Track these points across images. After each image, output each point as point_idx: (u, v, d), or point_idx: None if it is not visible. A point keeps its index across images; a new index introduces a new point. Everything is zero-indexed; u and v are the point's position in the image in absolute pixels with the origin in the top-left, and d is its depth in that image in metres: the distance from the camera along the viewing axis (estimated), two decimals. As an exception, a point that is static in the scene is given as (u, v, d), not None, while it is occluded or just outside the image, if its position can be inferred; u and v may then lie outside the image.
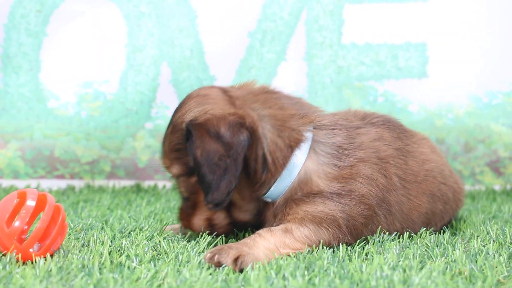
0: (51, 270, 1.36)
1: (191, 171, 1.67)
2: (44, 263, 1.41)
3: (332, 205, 1.65)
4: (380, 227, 1.76)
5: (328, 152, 1.68)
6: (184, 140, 1.66)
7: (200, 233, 1.74)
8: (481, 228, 1.95)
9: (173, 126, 1.72)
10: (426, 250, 1.63)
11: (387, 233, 1.77)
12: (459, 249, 1.58)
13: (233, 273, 1.38)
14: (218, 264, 1.45)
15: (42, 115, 3.19)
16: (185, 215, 1.77)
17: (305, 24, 3.18)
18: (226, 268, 1.41)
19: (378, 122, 1.85)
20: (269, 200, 1.69)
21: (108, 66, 3.20)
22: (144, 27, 3.20)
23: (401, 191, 1.79)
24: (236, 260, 1.45)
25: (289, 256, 1.55)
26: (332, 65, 3.18)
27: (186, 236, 1.78)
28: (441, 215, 1.97)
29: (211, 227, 1.74)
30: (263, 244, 1.55)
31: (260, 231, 1.60)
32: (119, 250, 1.59)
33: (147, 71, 3.19)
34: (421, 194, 1.86)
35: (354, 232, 1.68)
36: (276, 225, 1.65)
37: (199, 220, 1.74)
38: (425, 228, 1.85)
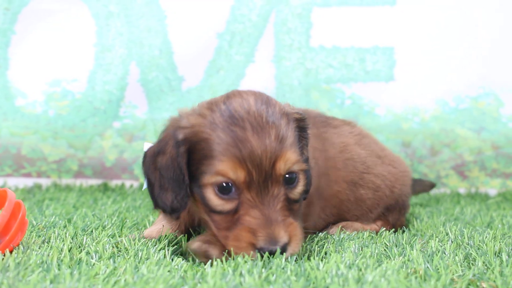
0: (8, 266, 1.36)
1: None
2: (3, 258, 1.41)
3: None
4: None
5: None
6: (296, 133, 1.58)
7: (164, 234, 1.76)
8: (440, 229, 1.98)
9: (286, 119, 1.54)
10: (384, 250, 1.65)
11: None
12: (416, 249, 1.60)
13: (191, 270, 1.39)
14: (206, 255, 1.48)
15: (9, 113, 3.18)
16: (297, 225, 1.53)
17: (273, 26, 3.20)
18: (185, 265, 1.42)
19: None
20: None
21: (77, 65, 3.20)
22: (113, 27, 3.20)
23: (325, 176, 1.86)
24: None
25: None
26: (300, 68, 3.20)
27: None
28: (372, 203, 2.02)
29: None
30: None
31: None
32: (79, 247, 1.59)
33: (116, 71, 3.19)
34: (340, 180, 1.92)
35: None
36: None
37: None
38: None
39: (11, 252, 1.50)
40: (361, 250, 1.63)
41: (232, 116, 1.49)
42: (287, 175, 1.50)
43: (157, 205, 1.61)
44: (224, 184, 1.49)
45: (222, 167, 1.47)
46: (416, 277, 1.37)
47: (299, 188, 1.55)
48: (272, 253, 1.44)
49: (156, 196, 1.59)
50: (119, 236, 1.74)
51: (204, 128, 1.51)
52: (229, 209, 1.50)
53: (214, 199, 1.51)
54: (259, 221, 1.45)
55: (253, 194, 1.47)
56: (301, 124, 1.60)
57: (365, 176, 2.02)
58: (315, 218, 1.87)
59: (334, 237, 1.77)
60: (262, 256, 1.43)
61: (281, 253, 1.44)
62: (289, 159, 1.49)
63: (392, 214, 2.07)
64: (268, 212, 1.46)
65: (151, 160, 1.60)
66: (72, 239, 1.68)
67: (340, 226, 1.94)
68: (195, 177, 1.54)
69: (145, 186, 1.64)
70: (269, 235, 1.44)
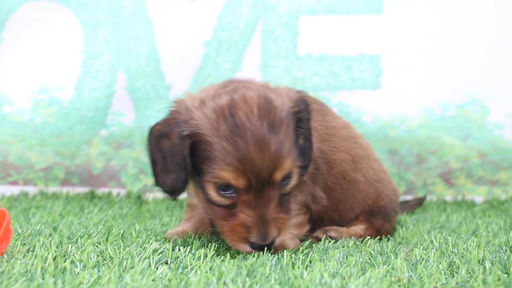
0: (-8, 275, 1.36)
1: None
2: (-13, 267, 1.41)
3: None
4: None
5: None
6: (295, 127, 1.67)
7: (148, 239, 1.76)
8: (425, 237, 1.99)
9: (286, 122, 1.62)
10: (369, 258, 1.66)
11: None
12: (400, 257, 1.60)
13: (175, 279, 1.39)
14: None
15: (-4, 121, 3.17)
16: (287, 217, 1.70)
17: (261, 34, 3.21)
18: (169, 273, 1.42)
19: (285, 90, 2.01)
20: None
21: (64, 73, 3.19)
22: (101, 34, 3.20)
23: (327, 142, 1.94)
24: None
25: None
26: (287, 75, 3.21)
27: (138, 242, 1.78)
28: (363, 197, 2.07)
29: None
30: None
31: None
32: (64, 256, 1.59)
33: (103, 78, 3.19)
34: (343, 150, 1.99)
35: (313, 180, 1.86)
36: None
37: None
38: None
39: (-5, 261, 1.50)
40: (346, 258, 1.63)
41: (236, 126, 1.57)
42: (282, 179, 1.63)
43: (157, 183, 1.72)
44: (225, 185, 1.62)
45: (224, 175, 1.59)
46: (399, 286, 1.37)
47: (292, 183, 1.68)
48: (263, 247, 1.63)
49: (157, 175, 1.71)
50: (104, 245, 1.74)
51: (209, 132, 1.59)
52: (227, 204, 1.65)
53: (214, 195, 1.65)
54: (253, 219, 1.61)
55: (250, 197, 1.61)
56: (299, 115, 1.69)
57: (363, 162, 2.07)
58: (321, 185, 1.91)
59: (319, 245, 1.77)
60: (254, 249, 1.63)
61: (271, 245, 1.63)
62: (286, 168, 1.61)
63: (377, 219, 2.08)
64: (262, 212, 1.61)
65: (155, 140, 1.69)
66: (57, 247, 1.68)
67: (325, 229, 1.99)
68: (197, 167, 1.65)
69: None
70: (261, 233, 1.61)
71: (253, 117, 1.58)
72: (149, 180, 3.12)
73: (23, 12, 3.17)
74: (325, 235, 1.94)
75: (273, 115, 1.60)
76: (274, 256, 1.62)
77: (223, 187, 1.62)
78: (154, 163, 1.70)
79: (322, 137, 1.92)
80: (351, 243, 1.86)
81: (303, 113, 1.70)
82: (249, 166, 1.56)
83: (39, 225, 2.05)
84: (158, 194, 3.00)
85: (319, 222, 2.00)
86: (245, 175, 1.57)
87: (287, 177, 1.64)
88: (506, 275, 1.45)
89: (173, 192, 1.71)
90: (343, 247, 1.81)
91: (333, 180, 1.96)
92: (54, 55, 3.20)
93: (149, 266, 1.51)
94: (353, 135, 2.08)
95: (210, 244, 1.76)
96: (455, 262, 1.59)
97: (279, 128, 1.59)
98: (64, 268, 1.46)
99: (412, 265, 1.55)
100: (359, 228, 2.05)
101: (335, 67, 3.21)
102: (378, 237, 2.01)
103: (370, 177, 2.08)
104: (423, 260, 1.61)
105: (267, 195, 1.61)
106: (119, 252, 1.64)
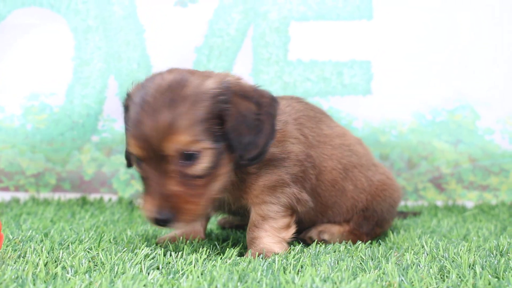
0: (-17, 281, 1.36)
1: (216, 141, 1.67)
2: (-22, 274, 1.41)
3: (279, 171, 1.82)
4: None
5: None
6: (213, 108, 1.66)
7: (139, 244, 1.76)
8: (416, 242, 2.00)
9: (192, 98, 1.64)
10: (360, 263, 1.66)
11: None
12: (391, 262, 1.61)
13: (167, 284, 1.39)
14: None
15: (-13, 127, 3.17)
16: (188, 198, 1.67)
17: (251, 40, 3.22)
18: (161, 279, 1.42)
19: (286, 97, 2.03)
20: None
21: (55, 79, 3.19)
22: (92, 41, 3.20)
23: (316, 148, 1.95)
24: None
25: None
26: (278, 81, 3.21)
27: (132, 246, 1.78)
28: (351, 199, 2.08)
29: (209, 206, 1.77)
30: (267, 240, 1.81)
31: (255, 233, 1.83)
32: (55, 261, 1.59)
33: (94, 84, 3.19)
34: (334, 159, 2.01)
35: (298, 183, 1.86)
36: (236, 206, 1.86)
37: (207, 199, 1.70)
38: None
39: (-14, 267, 1.50)
40: (337, 263, 1.64)
41: (142, 96, 1.65)
42: (185, 153, 1.62)
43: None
44: (137, 157, 1.67)
45: (128, 142, 1.68)
46: (390, 290, 1.38)
47: (201, 165, 1.65)
48: (157, 221, 1.64)
49: None
50: (96, 250, 1.74)
51: (130, 100, 1.70)
52: (141, 175, 1.70)
53: (135, 166, 1.73)
54: (151, 191, 1.64)
55: (151, 168, 1.64)
56: (221, 98, 1.67)
57: (356, 171, 2.09)
58: (308, 189, 1.92)
59: (310, 250, 1.78)
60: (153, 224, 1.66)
61: (167, 222, 1.63)
62: (178, 141, 1.60)
63: (368, 223, 2.10)
64: (157, 186, 1.63)
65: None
66: (48, 253, 1.68)
67: (319, 230, 2.04)
68: None
69: None
70: (151, 207, 1.63)
71: (157, 92, 1.63)
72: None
73: (14, 18, 3.17)
74: (316, 239, 1.96)
75: (178, 92, 1.63)
76: (265, 261, 1.62)
77: (136, 158, 1.68)
78: None
79: (311, 143, 1.93)
80: (342, 247, 1.86)
81: (226, 96, 1.67)
82: (141, 135, 1.61)
83: (30, 231, 2.05)
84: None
85: (309, 223, 2.03)
86: (140, 143, 1.62)
87: (191, 156, 1.63)
88: (496, 279, 1.46)
89: (126, 158, 1.86)
90: (334, 251, 1.82)
91: (322, 186, 1.98)
92: (45, 61, 3.20)
93: (140, 271, 1.51)
94: (347, 143, 2.09)
95: (201, 249, 1.76)
96: (445, 266, 1.60)
97: (180, 104, 1.61)
98: (56, 274, 1.46)
99: (403, 269, 1.55)
100: (348, 225, 2.11)
101: (326, 72, 3.22)
102: (369, 241, 2.02)
103: (361, 185, 2.09)
104: (414, 264, 1.62)
105: (163, 169, 1.62)
106: (111, 258, 1.63)
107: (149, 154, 1.62)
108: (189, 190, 1.64)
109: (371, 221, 2.10)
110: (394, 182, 2.21)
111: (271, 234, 1.81)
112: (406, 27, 3.24)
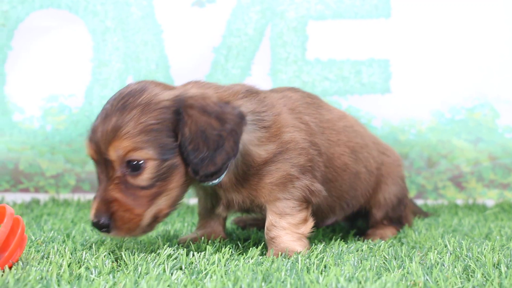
0: (8, 282, 1.36)
1: (166, 153, 1.64)
2: (2, 275, 1.41)
3: (283, 166, 1.77)
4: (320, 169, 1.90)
5: (251, 119, 1.74)
6: (164, 119, 1.64)
7: (162, 244, 1.76)
8: (439, 241, 1.98)
9: (143, 107, 1.63)
10: (384, 262, 1.65)
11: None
12: (415, 261, 1.60)
13: (191, 284, 1.39)
14: None
15: (7, 129, 3.18)
16: (128, 207, 1.64)
17: (269, 40, 3.22)
18: (185, 279, 1.42)
19: (281, 89, 2.01)
20: (214, 182, 1.74)
21: (74, 80, 3.21)
22: (110, 42, 3.21)
23: (321, 135, 1.93)
24: None
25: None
26: (296, 81, 3.21)
27: (148, 248, 1.78)
28: (365, 184, 2.11)
29: (154, 220, 1.71)
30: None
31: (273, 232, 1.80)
32: (78, 262, 1.59)
33: (113, 85, 3.20)
34: (342, 143, 2.00)
35: (308, 174, 1.82)
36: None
37: (151, 212, 1.66)
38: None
39: (10, 268, 1.50)
40: (360, 263, 1.63)
41: (107, 101, 1.68)
42: (130, 162, 1.61)
43: None
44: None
45: (85, 145, 1.68)
46: (415, 289, 1.37)
47: (145, 176, 1.62)
48: (93, 224, 1.62)
49: None
50: (118, 251, 1.74)
51: None
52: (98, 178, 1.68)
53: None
54: (97, 195, 1.63)
55: (101, 172, 1.64)
56: (174, 110, 1.64)
57: (364, 152, 2.10)
58: (319, 177, 1.89)
59: (332, 250, 1.77)
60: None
61: (103, 227, 1.61)
62: (121, 148, 1.60)
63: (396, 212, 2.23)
64: (102, 190, 1.63)
65: None
66: (71, 254, 1.68)
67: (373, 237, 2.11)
68: None
69: None
70: (92, 210, 1.63)
71: (116, 99, 1.65)
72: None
73: (32, 20, 3.19)
74: None
75: (131, 100, 1.63)
76: (288, 261, 1.62)
77: (93, 161, 1.69)
78: None
79: (313, 130, 1.90)
80: (364, 247, 1.85)
81: (181, 108, 1.64)
82: (94, 139, 1.62)
83: (52, 232, 2.06)
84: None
85: (327, 209, 2.03)
86: (91, 146, 1.63)
87: (137, 166, 1.61)
88: (522, 278, 1.45)
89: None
90: (357, 251, 1.81)
91: (333, 172, 1.96)
92: (64, 63, 3.21)
93: (164, 271, 1.51)
94: (350, 124, 2.10)
95: (223, 248, 1.76)
96: (470, 266, 1.58)
97: (130, 111, 1.61)
98: (79, 274, 1.46)
99: (428, 269, 1.54)
100: (389, 230, 2.19)
101: (345, 71, 3.22)
102: (391, 239, 2.03)
103: (370, 167, 2.11)
104: (438, 264, 1.61)
105: (107, 173, 1.62)
106: (134, 258, 1.63)
107: (99, 158, 1.63)
108: (131, 200, 1.63)
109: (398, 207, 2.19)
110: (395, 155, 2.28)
111: (290, 231, 1.80)
112: (424, 25, 3.23)
